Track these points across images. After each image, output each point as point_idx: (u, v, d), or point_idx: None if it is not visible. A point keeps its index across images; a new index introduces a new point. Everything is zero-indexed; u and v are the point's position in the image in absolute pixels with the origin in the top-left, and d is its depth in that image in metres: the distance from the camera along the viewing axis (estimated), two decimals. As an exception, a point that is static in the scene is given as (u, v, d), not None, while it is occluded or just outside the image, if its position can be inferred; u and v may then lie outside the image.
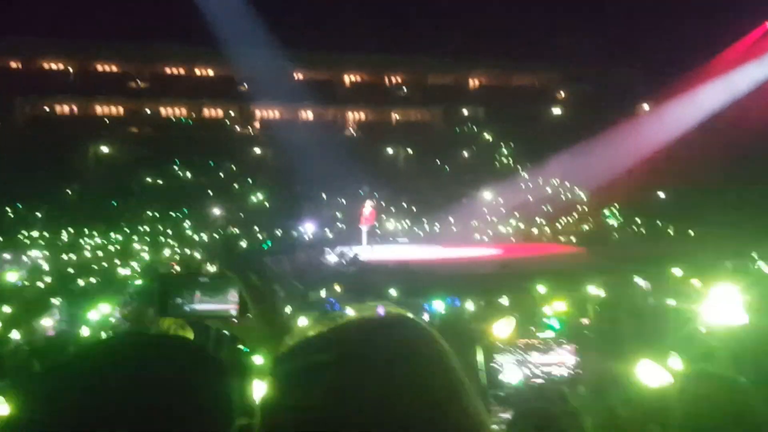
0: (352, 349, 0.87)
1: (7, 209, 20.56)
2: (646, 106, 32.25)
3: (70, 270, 12.84)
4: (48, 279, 11.36)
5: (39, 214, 20.33)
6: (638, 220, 23.44)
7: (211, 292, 1.34)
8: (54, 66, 32.12)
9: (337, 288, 8.76)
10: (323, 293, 8.94)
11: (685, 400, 1.95)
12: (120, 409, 0.82)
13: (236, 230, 21.06)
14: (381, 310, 0.99)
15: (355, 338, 0.90)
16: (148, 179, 25.44)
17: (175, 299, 1.34)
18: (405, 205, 24.75)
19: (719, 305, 2.27)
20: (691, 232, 20.62)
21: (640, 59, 28.94)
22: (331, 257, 17.22)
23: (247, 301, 1.32)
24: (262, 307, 1.31)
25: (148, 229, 20.34)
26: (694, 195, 22.40)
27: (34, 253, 14.66)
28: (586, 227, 22.62)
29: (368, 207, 19.25)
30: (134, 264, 13.43)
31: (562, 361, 1.37)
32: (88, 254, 15.48)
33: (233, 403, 0.94)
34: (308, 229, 20.52)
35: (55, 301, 8.99)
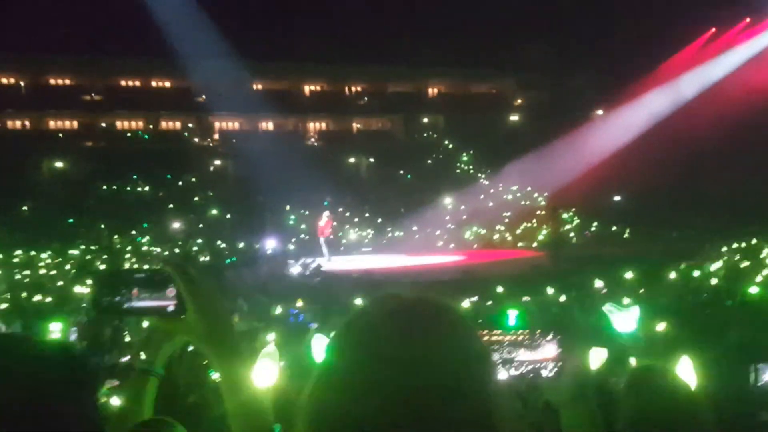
0: (402, 327, 0.92)
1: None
2: (600, 111, 33.05)
3: (24, 289, 12.48)
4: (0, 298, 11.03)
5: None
6: (595, 224, 23.99)
7: (148, 288, 1.30)
8: (5, 80, 31.25)
9: (299, 302, 8.72)
10: (280, 309, 8.90)
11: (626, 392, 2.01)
12: None
13: (196, 244, 20.77)
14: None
15: (404, 316, 0.94)
16: (105, 193, 24.90)
17: (110, 296, 1.30)
18: (368, 214, 24.79)
19: (617, 318, 2.49)
20: (645, 235, 21.15)
21: (594, 65, 29.66)
22: (295, 269, 17.13)
23: (184, 296, 1.28)
24: (199, 303, 1.27)
25: (105, 244, 19.89)
26: (648, 198, 23.04)
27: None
28: (544, 232, 23.00)
29: (324, 218, 19.35)
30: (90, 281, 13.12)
31: (554, 356, 1.38)
32: (42, 272, 15.06)
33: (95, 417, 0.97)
34: (270, 241, 20.36)
35: (1, 326, 8.74)
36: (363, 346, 0.92)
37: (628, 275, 9.57)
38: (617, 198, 25.86)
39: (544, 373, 1.48)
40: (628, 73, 28.82)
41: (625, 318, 2.37)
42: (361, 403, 0.87)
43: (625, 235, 22.38)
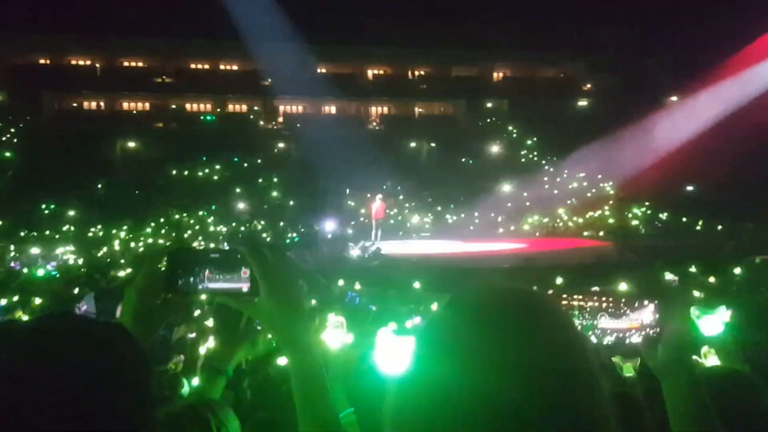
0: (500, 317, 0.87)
1: (39, 205, 20.95)
2: (674, 98, 31.68)
3: (98, 264, 13.06)
4: (76, 272, 11.58)
5: (69, 210, 20.67)
6: (665, 215, 23.10)
7: (222, 268, 1.30)
8: (81, 62, 32.61)
9: (357, 285, 8.78)
10: (340, 284, 8.96)
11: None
12: (28, 394, 0.85)
13: (260, 224, 21.20)
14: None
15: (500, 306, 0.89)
16: (174, 174, 25.72)
17: (184, 276, 1.29)
18: (428, 199, 24.67)
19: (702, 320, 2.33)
20: (719, 227, 20.29)
21: (668, 50, 28.45)
22: (354, 251, 17.26)
23: (257, 278, 1.27)
24: (272, 285, 1.26)
25: (174, 223, 20.58)
26: (722, 189, 22.00)
27: (64, 248, 14.93)
28: (611, 221, 22.33)
29: (377, 201, 19.35)
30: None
31: (639, 324, 1.32)
32: (116, 248, 15.72)
33: (149, 396, 0.96)
34: (330, 223, 20.57)
35: (84, 301, 9.16)
36: (459, 342, 0.86)
37: (692, 269, 9.19)
38: (690, 188, 24.79)
39: (633, 340, 1.42)
40: (704, 57, 27.50)
41: (711, 321, 2.25)
42: (461, 410, 0.81)
43: (698, 227, 21.45)
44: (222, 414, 1.81)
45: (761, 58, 28.20)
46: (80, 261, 13.78)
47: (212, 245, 15.30)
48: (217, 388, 1.76)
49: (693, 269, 9.70)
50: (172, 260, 1.31)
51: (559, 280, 8.93)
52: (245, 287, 1.28)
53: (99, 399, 0.88)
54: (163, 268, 1.30)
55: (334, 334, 2.68)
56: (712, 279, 9.10)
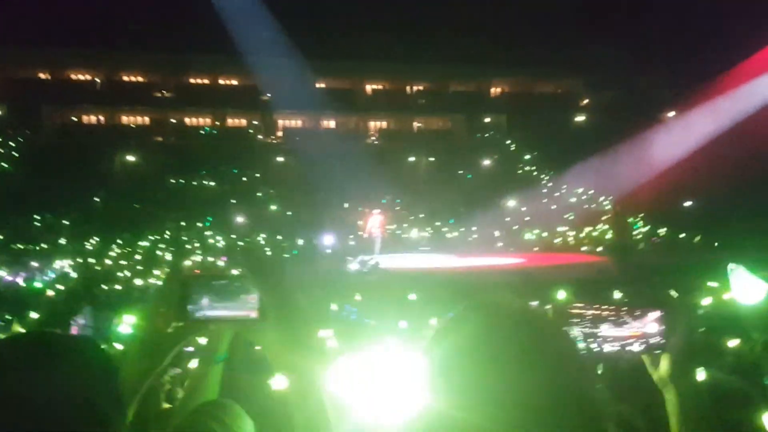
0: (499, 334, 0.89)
1: (35, 217, 20.92)
2: (671, 114, 31.83)
3: (95, 276, 13.01)
4: (73, 285, 11.52)
5: (66, 222, 20.65)
6: (663, 230, 23.12)
7: (230, 295, 1.29)
8: (81, 76, 32.76)
9: (357, 296, 8.74)
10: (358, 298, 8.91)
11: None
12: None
13: (259, 238, 21.18)
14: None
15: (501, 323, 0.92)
16: (173, 187, 25.74)
17: (193, 303, 1.29)
18: (427, 214, 24.70)
19: (741, 284, 2.23)
20: (716, 243, 20.28)
21: (665, 66, 28.63)
22: (352, 265, 17.23)
23: (266, 304, 1.27)
24: (281, 312, 1.25)
25: (172, 236, 20.55)
26: (720, 204, 22.03)
27: (61, 261, 14.88)
28: (609, 237, 22.34)
29: (375, 216, 19.44)
30: (158, 272, 13.56)
31: (641, 333, 1.31)
32: (112, 261, 15.68)
33: (117, 402, 0.97)
34: (329, 237, 20.57)
35: (82, 315, 9.11)
36: (463, 357, 0.88)
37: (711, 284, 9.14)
38: (688, 203, 24.83)
39: (634, 348, 1.41)
40: (701, 73, 27.67)
41: (754, 286, 2.11)
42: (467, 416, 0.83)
43: (695, 240, 21.47)
44: (229, 417, 1.71)
45: (756, 74, 28.40)
46: (77, 274, 13.76)
47: (212, 259, 15.25)
48: (213, 377, 1.71)
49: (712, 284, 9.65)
50: (183, 289, 1.30)
51: (561, 295, 8.86)
52: (253, 313, 1.27)
53: (62, 406, 0.90)
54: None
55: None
56: (712, 284, 9.06)
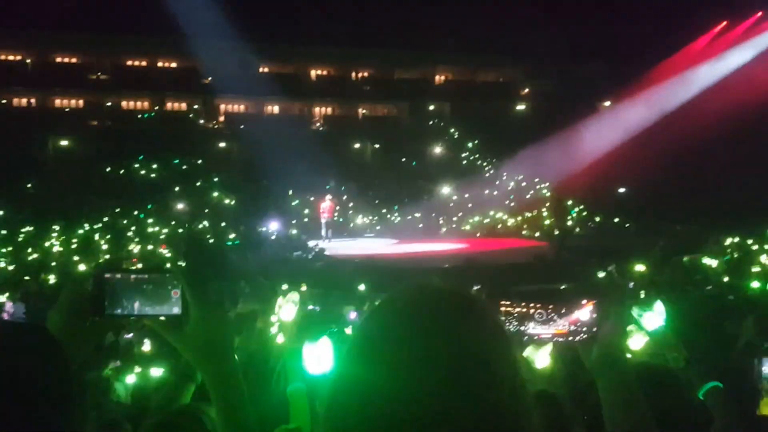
0: (426, 320, 0.91)
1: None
2: (608, 102, 32.86)
3: (29, 267, 12.56)
4: (3, 277, 11.10)
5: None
6: (599, 215, 23.96)
7: (151, 291, 1.24)
8: (11, 57, 31.19)
9: (303, 287, 8.75)
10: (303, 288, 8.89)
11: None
12: None
13: (201, 225, 20.82)
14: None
15: (429, 308, 0.93)
16: (110, 173, 24.94)
17: (110, 299, 1.24)
18: (372, 200, 24.79)
19: (644, 318, 2.51)
20: (651, 227, 21.12)
21: (603, 56, 29.47)
22: (297, 252, 17.20)
23: (189, 301, 1.21)
24: (204, 313, 1.21)
25: (109, 224, 19.95)
26: (653, 190, 22.98)
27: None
28: (548, 222, 22.98)
29: (327, 201, 19.60)
30: (95, 259, 13.19)
31: (565, 330, 1.34)
32: (47, 250, 15.14)
33: (71, 397, 0.96)
34: (273, 224, 20.42)
35: (2, 299, 8.80)
36: (388, 341, 0.90)
37: (640, 267, 9.58)
38: (622, 190, 25.79)
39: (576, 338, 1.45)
40: (636, 64, 28.62)
41: (652, 316, 2.40)
42: (386, 401, 0.85)
43: (627, 225, 22.38)
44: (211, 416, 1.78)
45: (689, 65, 29.59)
46: (8, 264, 13.22)
47: (140, 266, 14.72)
48: (187, 395, 1.72)
49: (617, 266, 10.10)
50: (99, 284, 1.25)
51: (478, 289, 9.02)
52: (176, 309, 1.23)
53: (16, 400, 0.87)
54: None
55: (290, 309, 3.01)
56: (640, 267, 9.50)
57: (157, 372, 4.63)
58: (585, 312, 1.43)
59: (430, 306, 0.93)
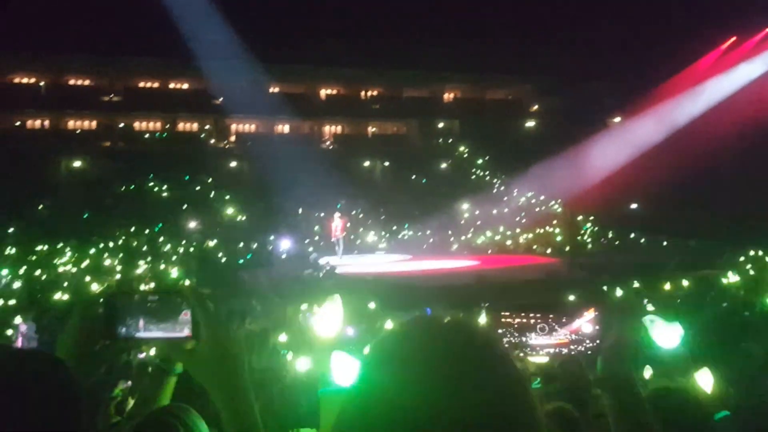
0: (438, 349, 0.90)
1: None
2: (617, 119, 32.81)
3: (41, 286, 12.62)
4: (16, 297, 11.15)
5: (10, 230, 19.92)
6: (611, 231, 23.79)
7: (161, 313, 1.23)
8: (25, 80, 31.65)
9: (315, 308, 8.70)
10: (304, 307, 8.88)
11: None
12: None
13: (212, 244, 20.88)
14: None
15: (439, 338, 0.92)
16: (122, 193, 25.12)
17: (123, 321, 1.23)
18: (382, 218, 24.79)
19: (658, 332, 2.37)
20: (664, 243, 20.99)
21: (612, 72, 29.49)
22: (308, 270, 17.17)
23: (200, 323, 1.21)
24: (214, 334, 1.20)
25: (121, 243, 20.05)
26: (666, 206, 22.82)
27: (4, 271, 14.35)
28: (560, 238, 22.85)
29: (336, 219, 19.67)
30: (107, 279, 13.24)
31: (566, 340, 1.31)
32: (60, 270, 15.22)
33: (81, 423, 0.94)
34: (285, 242, 20.44)
35: (18, 320, 8.83)
36: (398, 371, 0.89)
37: (636, 284, 9.49)
38: (634, 206, 25.64)
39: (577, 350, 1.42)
40: (646, 80, 28.62)
41: (668, 332, 2.26)
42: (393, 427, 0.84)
43: (642, 242, 22.17)
44: (189, 419, 1.74)
45: (698, 81, 29.55)
46: (21, 283, 13.28)
47: (152, 285, 14.71)
48: (166, 390, 1.69)
49: (636, 284, 10.01)
50: (110, 307, 1.25)
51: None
52: (186, 331, 1.23)
53: (29, 426, 0.86)
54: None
55: (332, 316, 2.39)
56: (667, 286, 9.34)
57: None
58: (589, 322, 1.40)
59: (445, 339, 0.92)
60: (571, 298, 8.39)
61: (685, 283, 10.32)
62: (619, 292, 9.33)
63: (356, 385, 0.92)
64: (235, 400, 1.22)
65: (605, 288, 9.54)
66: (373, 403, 0.87)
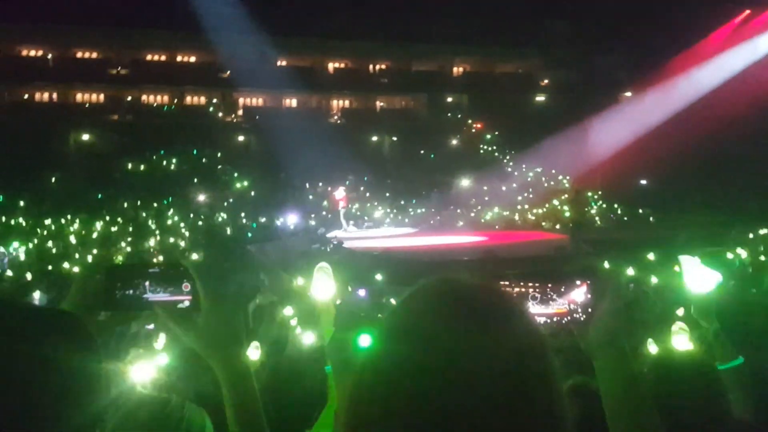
0: (461, 312, 0.89)
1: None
2: (629, 93, 32.45)
3: (51, 258, 12.73)
4: (29, 271, 11.25)
5: (21, 203, 20.08)
6: (620, 207, 23.69)
7: (162, 282, 1.26)
8: (33, 53, 31.57)
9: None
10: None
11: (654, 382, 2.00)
12: None
13: (220, 218, 20.96)
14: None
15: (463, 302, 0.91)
16: (130, 166, 25.20)
17: (122, 291, 1.26)
18: (390, 192, 24.77)
19: (693, 274, 2.25)
20: (670, 221, 20.86)
21: (623, 46, 29.08)
22: (315, 244, 17.23)
23: (200, 294, 1.22)
24: (213, 303, 1.22)
25: (130, 217, 20.17)
26: (674, 182, 22.67)
27: (14, 244, 14.48)
28: (568, 214, 22.78)
29: (340, 191, 19.96)
30: (116, 251, 13.35)
31: (564, 309, 1.30)
32: (71, 242, 15.34)
33: (99, 382, 0.94)
34: (292, 216, 20.50)
35: (35, 295, 8.92)
36: (417, 332, 0.88)
37: (651, 256, 9.44)
38: (643, 181, 25.47)
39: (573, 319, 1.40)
40: (657, 54, 28.21)
41: (705, 276, 2.15)
42: (413, 392, 0.84)
43: (651, 219, 22.06)
44: (186, 404, 1.76)
45: (710, 56, 29.10)
46: (30, 256, 13.41)
47: (160, 258, 14.83)
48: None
49: (651, 257, 9.97)
50: (110, 277, 1.27)
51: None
52: (186, 301, 1.25)
53: (52, 386, 0.86)
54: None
55: (324, 283, 2.49)
56: (676, 268, 9.25)
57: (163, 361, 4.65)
58: (581, 292, 1.39)
59: (458, 299, 0.91)
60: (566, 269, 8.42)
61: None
62: (607, 265, 9.33)
63: (374, 355, 0.92)
64: (234, 374, 1.24)
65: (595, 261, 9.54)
66: (394, 371, 0.86)
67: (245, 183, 24.53)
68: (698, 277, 2.17)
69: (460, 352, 0.85)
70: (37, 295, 8.78)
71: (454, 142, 30.64)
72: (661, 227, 20.05)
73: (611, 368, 1.34)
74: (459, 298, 0.91)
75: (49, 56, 31.38)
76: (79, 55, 32.25)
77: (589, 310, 1.38)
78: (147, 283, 1.27)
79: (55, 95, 31.61)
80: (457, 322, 0.87)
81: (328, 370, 2.21)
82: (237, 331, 1.26)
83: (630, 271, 8.95)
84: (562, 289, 1.42)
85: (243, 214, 20.92)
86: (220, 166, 25.97)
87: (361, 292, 6.88)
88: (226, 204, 22.54)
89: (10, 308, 0.95)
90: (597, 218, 23.00)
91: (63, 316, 0.98)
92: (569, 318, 1.41)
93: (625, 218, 22.84)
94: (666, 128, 25.50)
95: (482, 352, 0.85)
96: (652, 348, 3.65)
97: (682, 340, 2.68)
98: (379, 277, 10.07)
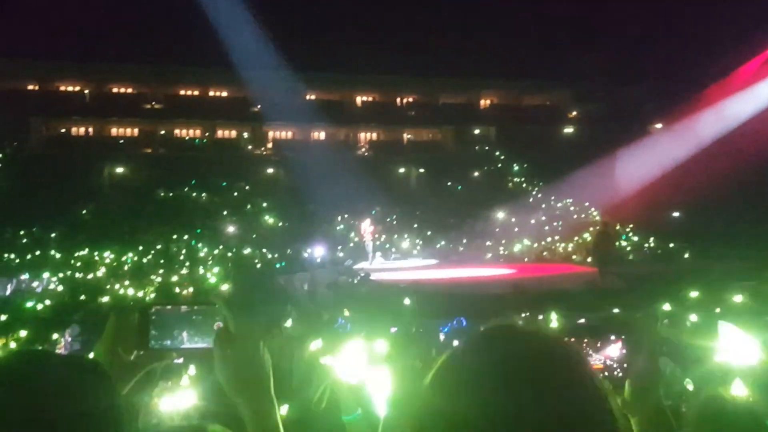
0: (510, 365, 0.87)
1: (22, 230, 20.74)
2: (658, 125, 32.14)
3: (84, 289, 12.92)
4: (61, 299, 11.43)
5: (53, 235, 20.50)
6: (652, 240, 23.24)
7: (195, 323, 1.24)
8: (70, 88, 32.62)
9: (345, 312, 8.72)
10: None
11: (696, 423, 1.92)
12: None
13: (249, 249, 21.11)
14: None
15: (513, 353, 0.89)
16: (163, 199, 25.63)
17: (159, 340, 1.24)
18: (417, 225, 24.72)
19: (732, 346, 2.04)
20: (705, 253, 20.39)
21: (652, 77, 28.95)
22: (342, 277, 17.20)
23: (231, 331, 1.20)
24: (243, 344, 1.18)
25: (161, 249, 20.41)
26: (708, 215, 22.22)
27: (47, 274, 14.74)
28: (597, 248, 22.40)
29: (367, 223, 20.02)
30: (148, 285, 13.50)
31: (601, 365, 1.27)
32: (101, 274, 15.56)
33: (119, 419, 0.94)
34: (319, 248, 20.55)
35: (69, 330, 9.05)
36: (478, 389, 0.85)
37: (693, 294, 9.16)
38: (676, 214, 25.02)
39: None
40: (688, 85, 27.99)
41: (745, 344, 1.92)
42: None
43: (686, 255, 21.53)
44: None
45: (741, 86, 28.75)
46: (64, 287, 13.63)
47: (190, 290, 14.93)
48: None
49: (694, 293, 9.69)
50: (144, 318, 1.25)
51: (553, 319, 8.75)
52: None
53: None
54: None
55: (352, 361, 2.18)
56: (738, 298, 8.83)
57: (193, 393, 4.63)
58: (616, 348, 1.36)
59: (522, 356, 0.88)
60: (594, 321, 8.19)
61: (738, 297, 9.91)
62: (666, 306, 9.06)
63: (424, 409, 0.88)
64: (260, 411, 1.20)
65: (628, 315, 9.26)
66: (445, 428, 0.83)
67: (273, 215, 24.73)
68: (737, 345, 1.97)
69: (528, 413, 0.81)
70: (73, 330, 8.90)
71: (482, 173, 30.57)
72: (694, 261, 19.62)
73: (650, 424, 1.31)
74: (525, 357, 0.88)
75: (86, 92, 32.38)
76: (114, 90, 33.23)
77: (625, 365, 1.36)
78: (180, 323, 1.25)
79: (91, 129, 32.52)
80: (522, 385, 0.84)
81: (345, 419, 2.15)
82: (264, 365, 1.22)
83: (666, 307, 8.71)
84: (598, 345, 1.40)
85: (276, 248, 21.04)
86: (249, 198, 26.25)
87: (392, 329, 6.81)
88: (254, 236, 22.72)
89: (44, 360, 0.96)
90: (630, 251, 22.58)
91: (88, 368, 0.98)
92: (605, 374, 1.38)
93: (659, 251, 22.37)
94: (697, 159, 25.11)
95: (550, 414, 0.82)
96: (690, 386, 3.51)
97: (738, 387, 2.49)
98: (407, 301, 10.00)
